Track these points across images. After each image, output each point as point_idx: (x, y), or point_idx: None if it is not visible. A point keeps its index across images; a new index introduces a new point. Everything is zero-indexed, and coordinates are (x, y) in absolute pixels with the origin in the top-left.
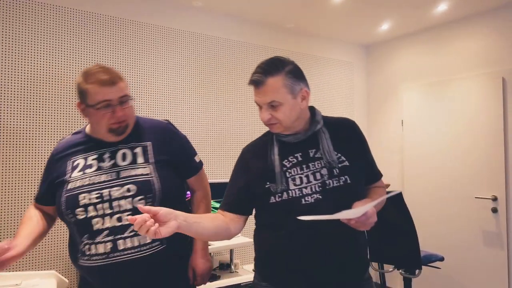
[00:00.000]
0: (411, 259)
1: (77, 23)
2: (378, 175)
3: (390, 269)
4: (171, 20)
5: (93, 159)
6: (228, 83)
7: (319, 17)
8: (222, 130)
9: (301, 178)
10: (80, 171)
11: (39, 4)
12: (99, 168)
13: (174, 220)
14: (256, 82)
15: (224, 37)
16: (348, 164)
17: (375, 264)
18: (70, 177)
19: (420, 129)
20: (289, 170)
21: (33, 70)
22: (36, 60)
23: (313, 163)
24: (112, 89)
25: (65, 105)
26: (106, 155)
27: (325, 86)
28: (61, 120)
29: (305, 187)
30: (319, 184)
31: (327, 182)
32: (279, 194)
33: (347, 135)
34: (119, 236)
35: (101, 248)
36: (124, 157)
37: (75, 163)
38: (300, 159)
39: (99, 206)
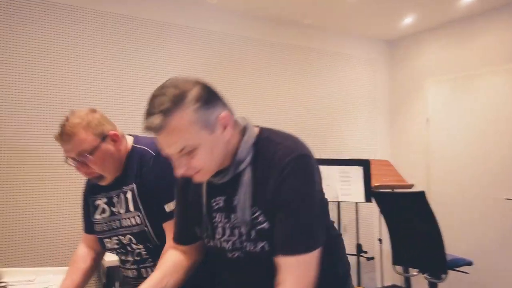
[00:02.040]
0: (436, 263)
1: (94, 23)
2: (289, 246)
3: (415, 273)
4: (186, 17)
5: (105, 203)
6: (247, 81)
7: (338, 12)
8: None
9: (223, 229)
10: (99, 214)
11: (55, 5)
12: (111, 214)
13: None
14: (154, 129)
15: (241, 35)
16: (267, 227)
17: (398, 268)
18: (94, 218)
19: (446, 126)
20: (214, 214)
21: (48, 71)
22: (49, 63)
23: (234, 215)
24: (67, 146)
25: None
26: (114, 199)
27: (346, 84)
28: None
29: (227, 241)
30: (239, 242)
31: (244, 244)
32: (206, 240)
33: (275, 184)
34: (141, 265)
35: (129, 273)
36: (119, 203)
37: (95, 203)
38: (222, 204)
39: (119, 250)
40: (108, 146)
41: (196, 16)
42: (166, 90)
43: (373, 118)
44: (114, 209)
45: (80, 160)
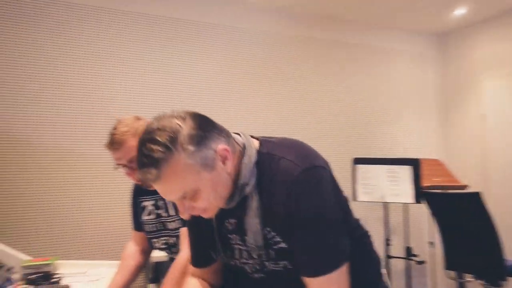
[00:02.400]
0: (494, 268)
1: (126, 24)
2: (312, 269)
3: (470, 279)
4: (223, 16)
5: (151, 205)
6: (290, 81)
7: (383, 5)
8: (278, 128)
9: (240, 251)
10: (146, 215)
11: (86, 7)
12: (157, 216)
13: None
14: (150, 181)
15: (283, 33)
16: (285, 246)
17: (452, 273)
18: (142, 219)
19: (504, 123)
20: (230, 236)
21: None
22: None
23: (247, 237)
24: (117, 154)
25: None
26: (160, 203)
27: (394, 80)
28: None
29: (246, 264)
30: (258, 264)
31: (265, 263)
32: (227, 260)
33: (284, 205)
34: None
35: None
36: (163, 207)
37: (142, 205)
38: (235, 227)
39: (167, 250)
40: None
41: (236, 15)
42: (155, 135)
43: (423, 115)
44: (159, 212)
45: (130, 167)
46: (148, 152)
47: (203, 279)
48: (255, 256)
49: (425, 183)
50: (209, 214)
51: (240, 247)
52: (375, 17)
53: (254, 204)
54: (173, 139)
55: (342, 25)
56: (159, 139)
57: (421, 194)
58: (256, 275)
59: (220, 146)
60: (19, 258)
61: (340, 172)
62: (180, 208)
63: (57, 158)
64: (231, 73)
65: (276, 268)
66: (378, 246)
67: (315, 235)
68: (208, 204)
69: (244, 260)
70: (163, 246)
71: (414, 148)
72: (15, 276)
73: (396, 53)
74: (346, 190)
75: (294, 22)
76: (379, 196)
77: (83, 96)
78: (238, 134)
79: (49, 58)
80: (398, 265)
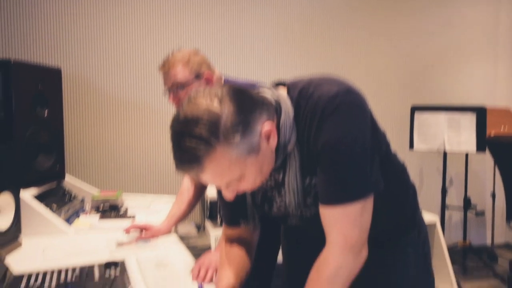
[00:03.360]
0: None
1: None
2: (329, 196)
3: None
4: None
5: None
6: (344, 27)
7: None
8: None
9: (279, 205)
10: None
11: None
12: None
13: None
14: (192, 175)
15: None
16: None
17: None
18: None
19: None
20: (270, 191)
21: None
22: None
23: (284, 189)
24: (165, 76)
25: None
26: None
27: (461, 21)
28: None
29: (284, 215)
30: (296, 214)
31: (303, 212)
32: (264, 213)
33: (320, 136)
34: None
35: None
36: None
37: None
38: (273, 183)
39: None
40: (200, 85)
41: None
42: (192, 127)
43: (493, 60)
44: None
45: (173, 91)
46: (188, 149)
47: (240, 237)
48: (293, 209)
49: (492, 132)
50: (253, 189)
51: (279, 201)
52: None
53: (294, 162)
54: (214, 131)
55: None
56: (198, 133)
57: (485, 143)
58: (292, 223)
59: (265, 127)
60: (89, 191)
61: (398, 121)
62: (224, 192)
63: (125, 100)
64: (286, 21)
65: (314, 213)
66: (435, 196)
67: (343, 160)
68: (254, 184)
69: (282, 212)
70: None
71: (481, 95)
72: (87, 206)
73: None
74: (403, 140)
75: None
76: (438, 145)
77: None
78: (263, 87)
79: (117, 13)
80: (455, 216)
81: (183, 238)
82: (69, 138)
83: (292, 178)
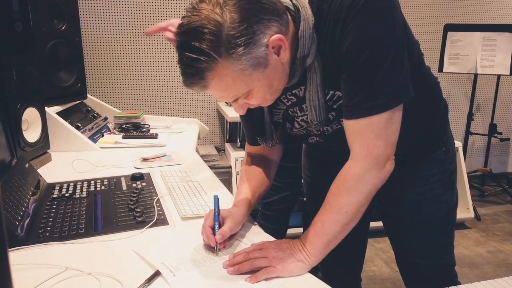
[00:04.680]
0: None
1: None
2: (352, 109)
3: None
4: None
5: None
6: None
7: None
8: None
9: (300, 123)
10: None
11: None
12: None
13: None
14: (197, 90)
15: None
16: None
17: None
18: None
19: None
20: (291, 109)
21: None
22: None
23: (305, 106)
24: None
25: None
26: None
27: None
28: None
29: (305, 133)
30: (316, 130)
31: (324, 129)
32: (286, 132)
33: (347, 46)
34: None
35: None
36: None
37: None
38: (294, 99)
39: None
40: None
41: None
42: (193, 39)
43: None
44: None
45: None
46: (190, 61)
47: (261, 154)
48: (315, 126)
49: None
50: (266, 105)
51: (301, 119)
52: None
53: (315, 75)
54: (215, 43)
55: None
56: (199, 45)
57: None
58: (313, 140)
59: (273, 37)
60: (112, 110)
61: (428, 41)
62: (234, 106)
63: (146, 18)
64: None
65: (337, 127)
66: (460, 122)
67: (369, 64)
68: (264, 99)
69: (303, 131)
70: None
71: None
72: (110, 125)
73: None
74: (432, 62)
75: None
76: (469, 68)
77: None
78: None
79: None
80: (478, 143)
81: (204, 159)
82: (88, 59)
83: (313, 93)
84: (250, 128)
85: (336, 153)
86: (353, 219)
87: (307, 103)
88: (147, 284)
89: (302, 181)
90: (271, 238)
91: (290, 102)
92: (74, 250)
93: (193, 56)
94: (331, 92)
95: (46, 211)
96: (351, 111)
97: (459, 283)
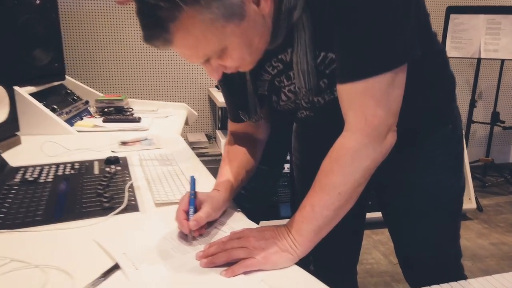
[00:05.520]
0: None
1: None
2: (347, 71)
3: None
4: None
5: None
6: None
7: None
8: None
9: (287, 95)
10: None
11: None
12: None
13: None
14: (160, 47)
15: None
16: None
17: None
18: None
19: None
20: (277, 79)
21: None
22: None
23: (293, 72)
24: None
25: None
26: None
27: None
28: None
29: (293, 106)
30: (306, 101)
31: (315, 99)
32: (272, 106)
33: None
34: None
35: None
36: None
37: None
38: (280, 67)
39: None
40: None
41: None
42: None
43: None
44: None
45: None
46: (148, 10)
47: (246, 132)
48: (304, 96)
49: None
50: (245, 68)
51: (287, 89)
52: None
53: (303, 33)
54: None
55: None
56: None
57: None
58: (302, 115)
59: None
60: (95, 93)
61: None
62: (207, 69)
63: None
64: None
65: (329, 98)
66: (462, 109)
67: (367, 15)
68: (242, 62)
69: (291, 105)
70: None
71: None
72: (91, 109)
73: None
74: None
75: None
76: (473, 52)
77: None
78: None
79: None
80: (479, 132)
81: (193, 146)
82: (67, 37)
83: (301, 56)
84: (232, 101)
85: (330, 130)
86: (348, 202)
87: (294, 67)
88: (102, 279)
89: (292, 165)
90: (254, 226)
91: (275, 71)
92: (25, 239)
93: (152, 2)
94: (322, 54)
95: (1, 197)
96: (346, 72)
97: (466, 277)
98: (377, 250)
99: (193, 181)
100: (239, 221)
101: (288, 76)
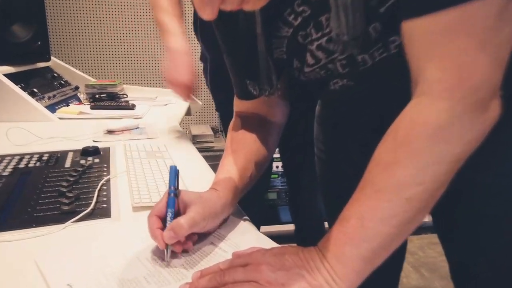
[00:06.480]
0: None
1: None
2: (414, 4)
3: None
4: None
5: None
6: None
7: None
8: None
9: (315, 55)
10: None
11: None
12: None
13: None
14: None
15: None
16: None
17: None
18: None
19: None
20: (299, 33)
21: None
22: None
23: (328, 15)
24: None
25: None
26: None
27: None
28: None
29: (324, 72)
30: (344, 63)
31: (357, 58)
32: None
33: None
34: None
35: None
36: None
37: None
38: (307, 11)
39: None
40: None
41: None
42: None
43: None
44: None
45: None
46: None
47: (257, 112)
48: (345, 50)
49: None
50: (254, 5)
51: (316, 45)
52: None
53: None
54: None
55: None
56: None
57: None
58: (336, 85)
59: None
60: (87, 79)
61: None
62: (198, 8)
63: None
64: None
65: (377, 60)
66: None
67: None
68: None
69: (320, 72)
70: None
71: None
72: (81, 95)
73: None
74: None
75: None
76: None
77: None
78: None
79: None
80: None
81: (196, 140)
82: (53, 12)
83: None
84: (236, 67)
85: (376, 112)
86: (421, 212)
87: (332, 3)
88: None
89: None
90: (272, 244)
91: (299, 19)
92: None
93: None
94: None
95: None
96: (419, 5)
97: None
98: (406, 261)
99: (173, 172)
100: (245, 234)
101: (318, 25)
